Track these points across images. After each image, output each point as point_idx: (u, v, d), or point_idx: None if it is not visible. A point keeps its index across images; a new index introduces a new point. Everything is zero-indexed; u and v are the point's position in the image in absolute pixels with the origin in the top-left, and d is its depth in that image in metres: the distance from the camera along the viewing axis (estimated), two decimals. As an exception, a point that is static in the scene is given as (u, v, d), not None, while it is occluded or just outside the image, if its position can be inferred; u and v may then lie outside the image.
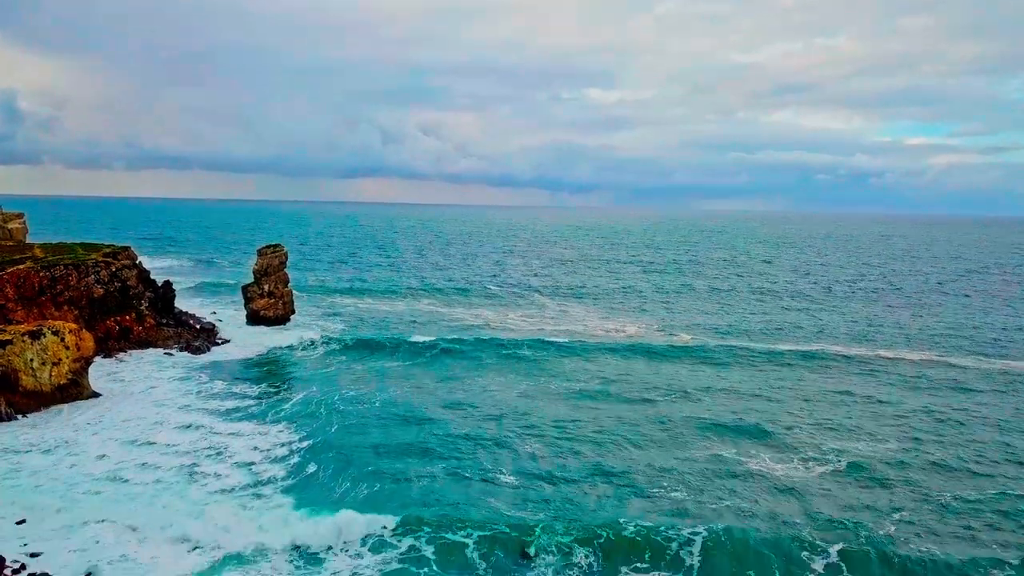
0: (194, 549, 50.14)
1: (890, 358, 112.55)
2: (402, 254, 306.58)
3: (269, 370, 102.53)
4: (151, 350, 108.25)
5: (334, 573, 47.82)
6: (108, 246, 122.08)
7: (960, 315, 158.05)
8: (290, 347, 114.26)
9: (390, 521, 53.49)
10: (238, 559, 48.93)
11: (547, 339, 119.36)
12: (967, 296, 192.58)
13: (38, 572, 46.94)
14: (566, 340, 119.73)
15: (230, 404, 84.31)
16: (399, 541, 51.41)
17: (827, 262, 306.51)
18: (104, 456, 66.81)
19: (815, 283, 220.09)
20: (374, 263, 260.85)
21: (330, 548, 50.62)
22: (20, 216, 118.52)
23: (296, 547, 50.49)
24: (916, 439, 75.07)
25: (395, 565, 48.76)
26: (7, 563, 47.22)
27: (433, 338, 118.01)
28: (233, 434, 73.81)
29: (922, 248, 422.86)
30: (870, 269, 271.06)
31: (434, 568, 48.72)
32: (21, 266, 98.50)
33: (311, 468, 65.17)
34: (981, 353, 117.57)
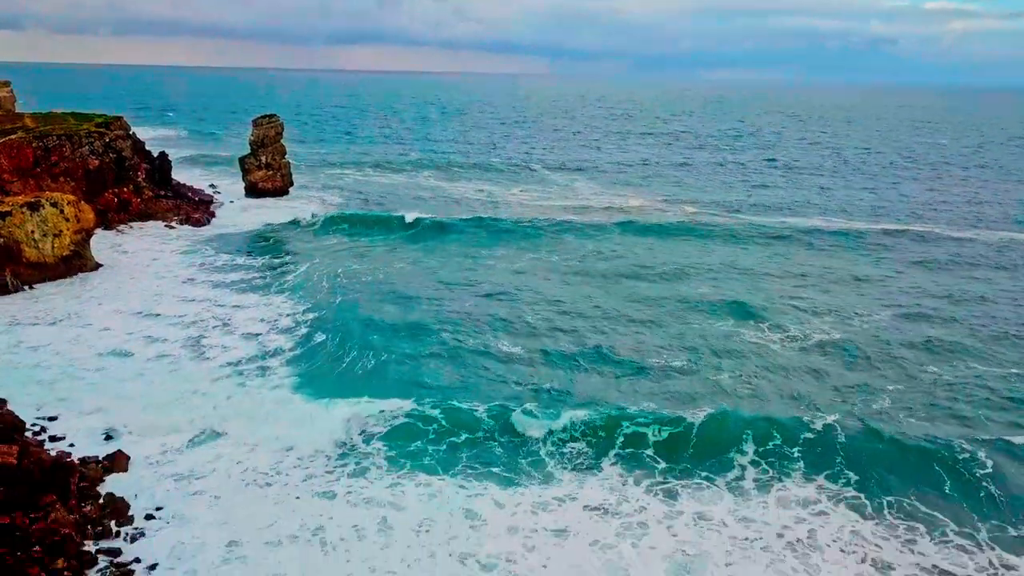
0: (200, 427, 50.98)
1: (896, 230, 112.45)
2: (402, 126, 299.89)
3: (273, 242, 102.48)
4: (151, 223, 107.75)
5: (342, 452, 48.68)
6: (100, 116, 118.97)
7: (974, 188, 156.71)
8: (294, 222, 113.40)
9: (393, 402, 53.95)
10: (237, 436, 49.84)
11: (545, 216, 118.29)
12: (983, 168, 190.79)
13: (59, 434, 48.47)
14: (567, 216, 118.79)
15: (234, 276, 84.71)
16: (402, 416, 52.30)
17: (837, 133, 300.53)
18: (107, 329, 67.44)
19: (825, 156, 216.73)
20: (374, 136, 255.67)
21: (340, 436, 50.32)
22: (7, 84, 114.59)
23: (301, 421, 51.51)
24: (912, 315, 75.75)
25: (401, 440, 49.81)
26: (27, 426, 48.61)
27: (433, 215, 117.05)
28: (237, 306, 74.47)
29: (939, 118, 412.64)
30: (881, 142, 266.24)
31: (443, 441, 49.82)
32: (13, 136, 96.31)
33: (318, 338, 66.01)
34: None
